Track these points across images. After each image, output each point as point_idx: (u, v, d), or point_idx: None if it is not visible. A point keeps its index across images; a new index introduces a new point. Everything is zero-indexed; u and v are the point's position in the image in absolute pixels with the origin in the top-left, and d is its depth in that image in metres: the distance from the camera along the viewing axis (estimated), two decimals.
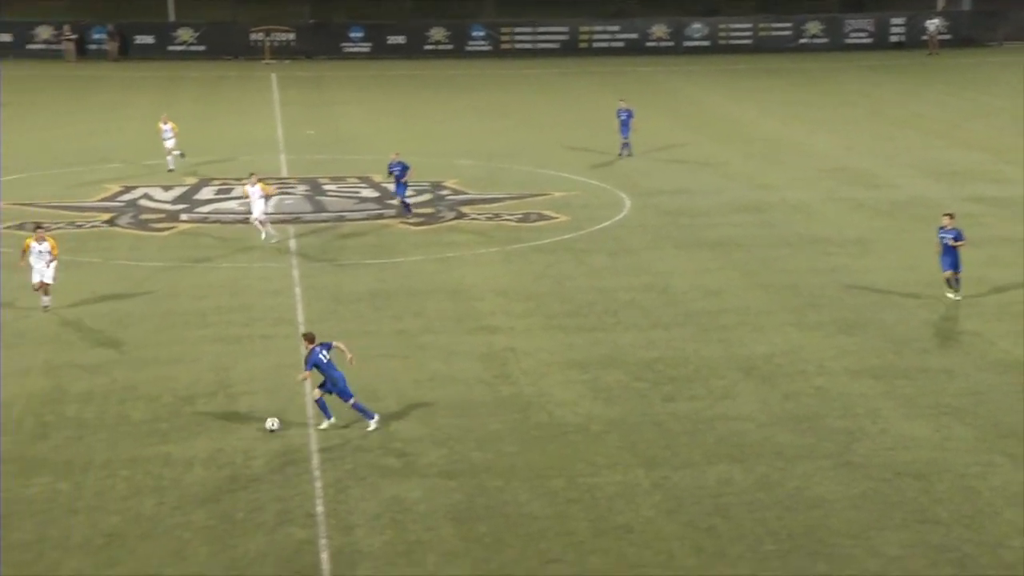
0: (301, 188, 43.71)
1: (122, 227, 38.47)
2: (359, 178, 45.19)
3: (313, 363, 23.06)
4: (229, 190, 42.93)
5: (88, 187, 43.19)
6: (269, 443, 22.68)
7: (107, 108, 60.41)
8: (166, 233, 37.80)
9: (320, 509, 20.23)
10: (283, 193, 42.63)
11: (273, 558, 18.70)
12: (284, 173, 46.20)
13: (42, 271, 29.74)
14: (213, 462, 21.94)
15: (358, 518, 19.98)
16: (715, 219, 39.37)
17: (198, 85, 67.76)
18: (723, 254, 35.44)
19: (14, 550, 18.74)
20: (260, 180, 36.52)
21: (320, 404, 23.32)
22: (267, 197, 36.59)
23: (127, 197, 42.12)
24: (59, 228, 37.74)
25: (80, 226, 38.37)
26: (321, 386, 23.31)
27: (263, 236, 36.16)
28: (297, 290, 32.08)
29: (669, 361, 26.98)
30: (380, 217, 39.65)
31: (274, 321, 29.64)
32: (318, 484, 21.12)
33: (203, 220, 39.40)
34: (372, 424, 23.30)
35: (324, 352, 23.22)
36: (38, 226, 29.66)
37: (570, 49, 79.11)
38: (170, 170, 45.16)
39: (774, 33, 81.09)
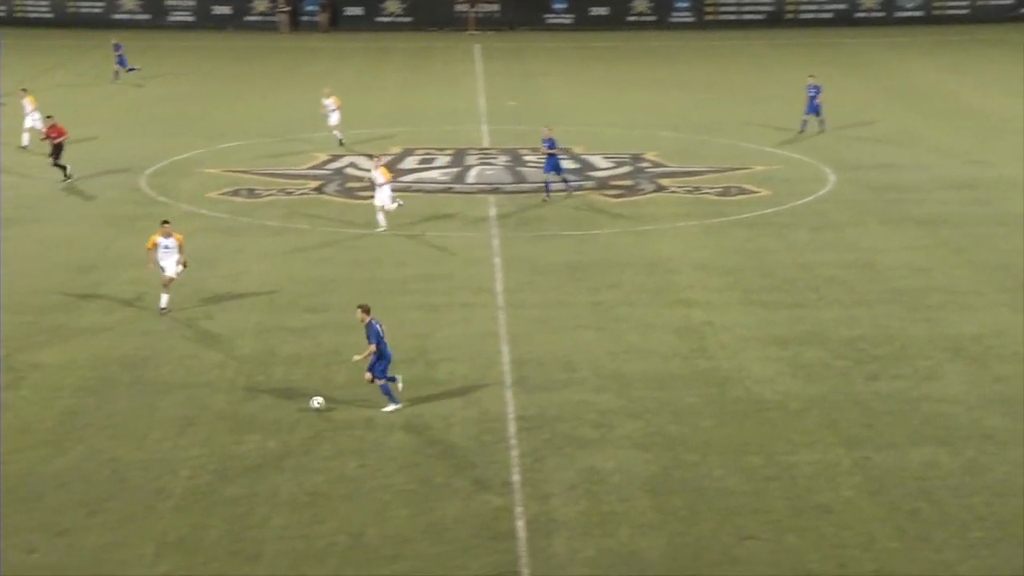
0: (502, 159, 44.09)
1: (329, 195, 39.45)
2: (560, 150, 45.28)
3: (378, 336, 22.75)
4: (432, 159, 43.59)
5: (298, 155, 44.38)
6: (467, 410, 23.03)
7: (317, 78, 61.86)
8: (370, 201, 38.58)
9: (516, 477, 20.47)
10: (484, 164, 43.08)
11: (470, 523, 19.02)
12: (486, 143, 46.66)
13: (167, 266, 28.14)
14: (413, 427, 22.40)
15: (553, 487, 20.15)
16: (924, 195, 38.29)
17: (404, 56, 68.85)
18: (931, 231, 34.46)
19: (228, 504, 19.48)
20: (383, 166, 35.31)
21: (386, 388, 23.08)
22: (388, 183, 34.75)
23: (334, 165, 43.14)
24: (271, 195, 38.94)
25: (290, 193, 39.49)
26: (371, 366, 22.70)
27: (381, 225, 34.69)
28: (496, 260, 32.43)
29: (872, 339, 26.41)
30: (579, 189, 39.72)
31: (474, 290, 30.04)
32: (514, 453, 21.37)
33: (406, 189, 40.09)
34: (391, 407, 22.87)
35: (380, 326, 23.05)
36: (164, 222, 28.46)
37: (776, 20, 77.71)
38: (341, 143, 45.01)
39: (993, 2, 78.14)
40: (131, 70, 58.94)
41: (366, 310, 23.11)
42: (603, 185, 40.47)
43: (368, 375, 22.88)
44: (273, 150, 44.73)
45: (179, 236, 28.20)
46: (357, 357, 23.18)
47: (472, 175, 41.67)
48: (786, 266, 31.48)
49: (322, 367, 25.15)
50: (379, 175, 34.67)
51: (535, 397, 23.57)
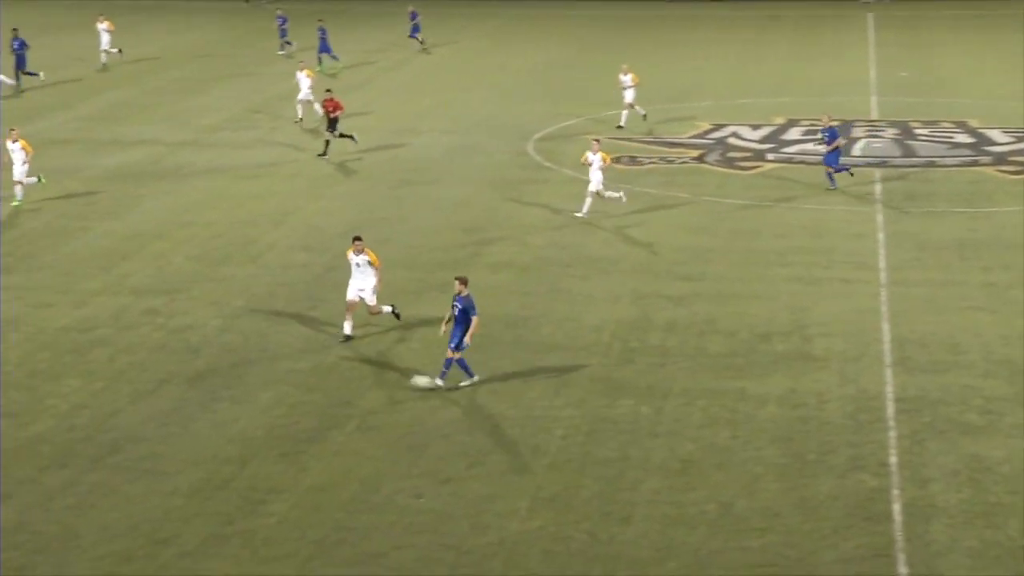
0: (891, 131, 42.69)
1: (710, 164, 39.34)
2: (954, 123, 43.48)
3: (471, 309, 22.28)
4: (816, 131, 42.71)
5: (680, 123, 44.46)
6: (844, 388, 22.53)
7: (701, 46, 61.78)
8: (751, 172, 38.25)
9: (894, 459, 19.88)
10: (871, 136, 41.85)
11: (843, 502, 18.62)
12: (874, 115, 45.28)
13: (360, 287, 24.76)
14: (787, 401, 22.12)
15: (933, 472, 19.45)
16: None
17: (793, 24, 67.65)
18: None
19: (600, 465, 19.86)
20: (601, 149, 33.03)
21: (461, 363, 22.56)
22: (604, 168, 32.79)
23: (716, 135, 42.97)
24: (651, 163, 39.23)
25: (671, 161, 39.64)
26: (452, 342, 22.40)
27: (583, 211, 32.95)
28: (880, 235, 31.48)
29: None
30: (974, 164, 37.97)
31: (855, 265, 29.29)
32: (892, 434, 20.75)
33: (788, 160, 39.49)
34: (467, 381, 22.59)
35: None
36: (356, 238, 24.95)
37: None
38: (619, 126, 43.09)
39: None
40: (414, 36, 59.91)
41: (464, 282, 22.80)
42: (1000, 161, 38.53)
43: (454, 354, 22.42)
44: (655, 118, 44.99)
45: (372, 254, 24.82)
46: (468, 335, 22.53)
47: (858, 148, 40.54)
48: None
49: (696, 336, 25.19)
50: (597, 158, 32.74)
51: (916, 378, 22.79)
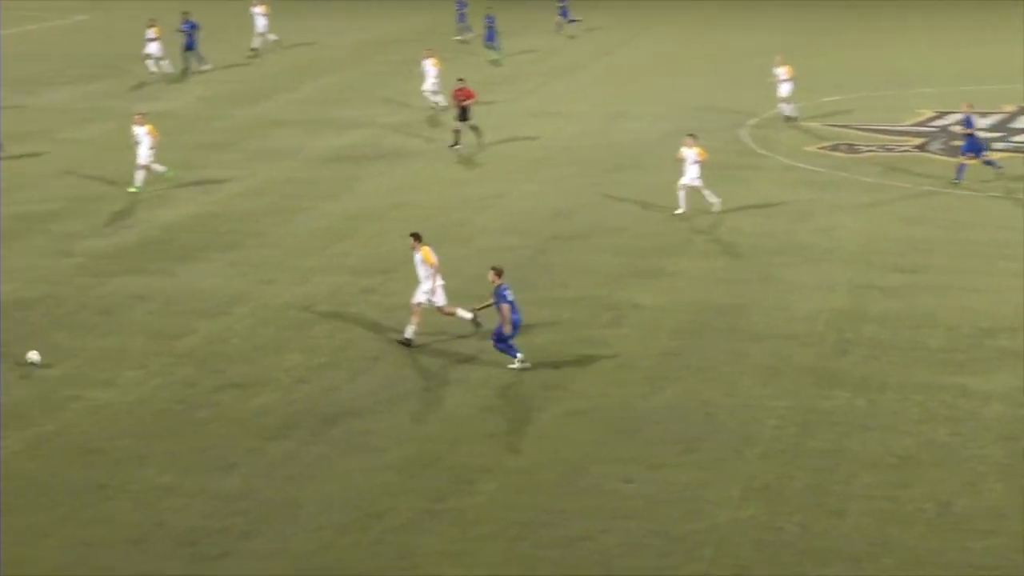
0: None
1: (932, 153, 38.16)
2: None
3: (508, 300, 22.24)
4: None
5: (901, 111, 43.25)
6: None
7: (919, 31, 59.98)
8: (975, 161, 36.93)
9: None
10: None
11: None
12: None
13: (428, 289, 23.70)
14: (1013, 399, 21.30)
15: None
16: None
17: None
18: None
19: (813, 456, 19.47)
20: (697, 145, 31.78)
21: (505, 345, 22.51)
22: (700, 162, 31.49)
23: (939, 123, 41.64)
24: (870, 151, 38.27)
25: (890, 149, 38.60)
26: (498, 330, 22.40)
27: (681, 207, 31.87)
28: None
29: None
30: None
31: None
32: None
33: (1016, 150, 38.01)
34: (517, 364, 22.48)
35: (509, 292, 22.36)
36: (415, 236, 23.93)
37: None
38: (788, 117, 41.46)
39: None
40: (572, 21, 59.28)
41: (498, 273, 22.61)
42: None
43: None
44: (875, 105, 43.85)
45: (427, 252, 23.68)
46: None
47: None
48: None
49: (912, 329, 24.47)
50: (693, 153, 31.59)
51: None
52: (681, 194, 31.81)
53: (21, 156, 37.88)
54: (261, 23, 55.37)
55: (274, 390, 22.05)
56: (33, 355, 23.11)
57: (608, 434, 20.37)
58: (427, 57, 44.04)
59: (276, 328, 24.93)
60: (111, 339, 24.26)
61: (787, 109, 41.60)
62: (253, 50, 55.04)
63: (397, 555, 16.88)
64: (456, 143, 38.56)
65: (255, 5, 55.51)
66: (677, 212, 31.87)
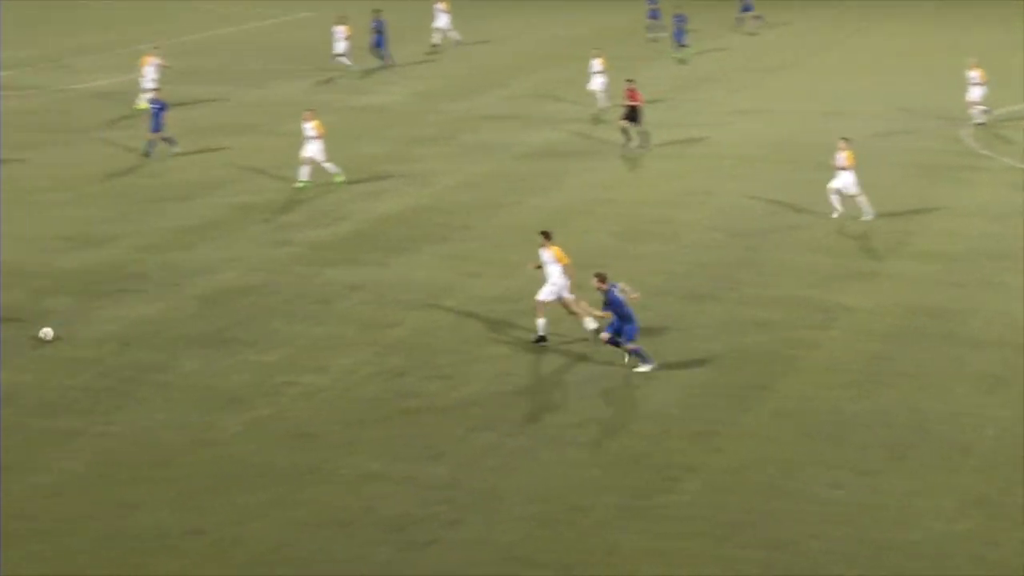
0: None
1: None
2: None
3: (615, 303, 22.17)
4: None
5: None
6: None
7: None
8: None
9: None
10: None
11: None
12: None
13: (556, 286, 23.80)
14: None
15: None
16: None
17: None
18: None
19: None
20: (848, 150, 30.63)
21: (620, 345, 22.35)
22: (849, 168, 30.37)
23: None
24: None
25: None
26: (610, 327, 22.25)
27: (835, 210, 30.79)
28: None
29: None
30: None
31: None
32: None
33: None
34: (646, 367, 22.18)
35: (616, 289, 22.28)
36: (544, 234, 24.12)
37: None
38: (979, 124, 39.53)
39: None
40: (757, 18, 58.11)
41: (602, 278, 22.43)
42: None
43: (605, 335, 22.40)
44: None
45: (557, 249, 23.83)
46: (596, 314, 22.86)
47: None
48: None
49: None
50: (843, 158, 30.56)
51: None
52: (834, 198, 30.83)
53: (224, 148, 39.09)
54: (443, 20, 55.87)
55: (479, 382, 22.31)
56: (47, 332, 23.55)
57: (815, 437, 20.00)
58: (595, 57, 43.85)
59: (482, 321, 25.21)
60: (325, 327, 24.90)
61: (978, 114, 39.91)
62: (434, 46, 55.46)
63: (599, 550, 16.89)
64: (630, 140, 38.25)
65: (438, 2, 55.95)
66: (834, 215, 30.83)
